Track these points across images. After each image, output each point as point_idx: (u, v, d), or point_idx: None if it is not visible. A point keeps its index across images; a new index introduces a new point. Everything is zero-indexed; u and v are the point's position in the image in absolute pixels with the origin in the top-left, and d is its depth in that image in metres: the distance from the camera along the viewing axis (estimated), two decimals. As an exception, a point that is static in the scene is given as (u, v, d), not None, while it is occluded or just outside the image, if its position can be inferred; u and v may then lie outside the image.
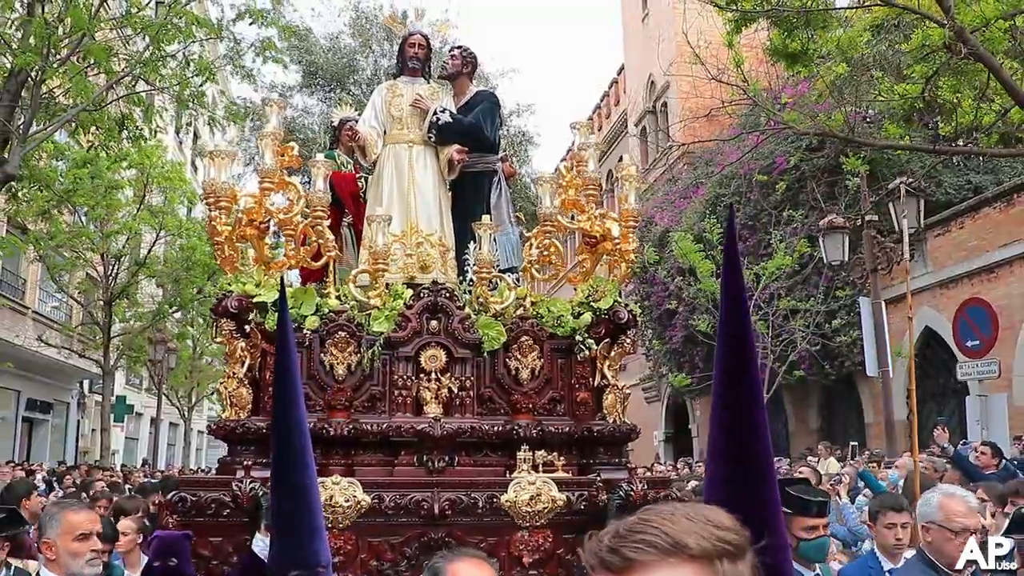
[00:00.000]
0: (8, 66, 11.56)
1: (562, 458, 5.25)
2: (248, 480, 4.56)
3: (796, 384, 20.58)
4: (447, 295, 5.40)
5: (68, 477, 15.21)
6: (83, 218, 20.73)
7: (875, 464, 12.59)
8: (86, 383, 27.87)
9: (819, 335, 19.46)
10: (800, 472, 8.73)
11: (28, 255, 18.54)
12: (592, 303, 5.48)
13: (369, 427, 5.15)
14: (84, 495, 9.05)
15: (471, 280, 5.73)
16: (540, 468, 5.12)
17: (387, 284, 5.48)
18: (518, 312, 5.50)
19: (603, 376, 5.52)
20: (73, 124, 13.24)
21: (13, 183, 13.31)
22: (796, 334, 19.39)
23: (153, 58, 12.64)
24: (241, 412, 5.12)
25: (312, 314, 5.28)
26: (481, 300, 5.54)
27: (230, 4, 13.46)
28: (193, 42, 13.13)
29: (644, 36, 32.04)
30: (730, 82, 14.41)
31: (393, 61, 17.66)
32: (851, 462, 14.03)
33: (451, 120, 6.22)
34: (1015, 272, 17.09)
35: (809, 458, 16.49)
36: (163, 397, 27.89)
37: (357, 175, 6.75)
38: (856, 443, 17.14)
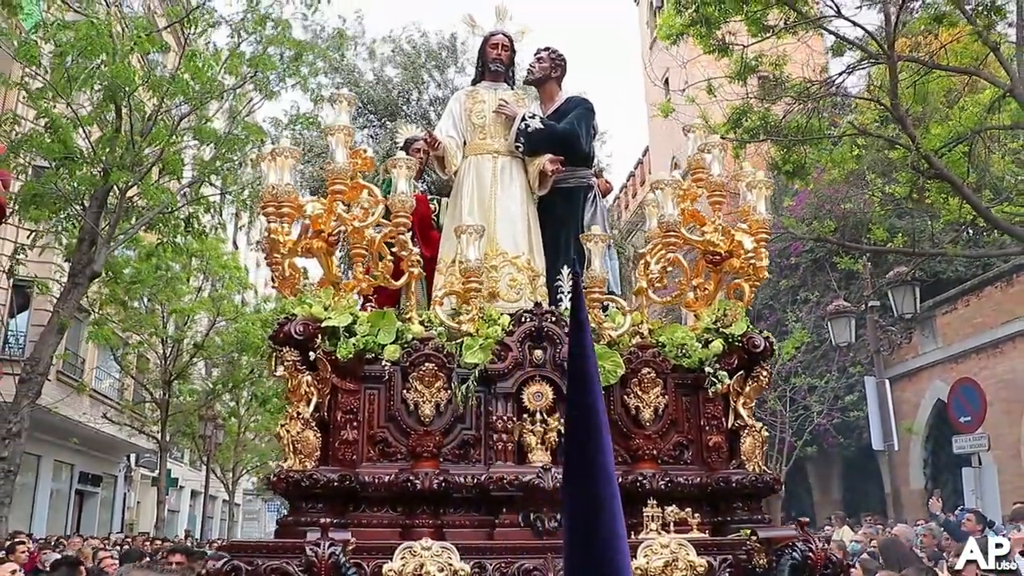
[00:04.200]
0: (97, 176, 11.48)
1: (696, 515, 3.75)
2: (327, 543, 3.03)
3: (819, 456, 19.64)
4: (553, 319, 3.96)
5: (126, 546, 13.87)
6: (146, 304, 19.71)
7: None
8: (132, 457, 26.44)
9: (838, 409, 18.65)
10: None
11: (84, 335, 17.41)
12: (721, 329, 4.04)
13: (463, 479, 3.70)
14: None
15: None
16: (671, 527, 3.64)
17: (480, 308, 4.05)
18: (635, 340, 4.06)
19: (737, 416, 4.04)
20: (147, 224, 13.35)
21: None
22: (812, 409, 18.54)
23: (217, 165, 12.85)
24: (308, 461, 3.66)
25: (392, 342, 3.85)
26: (592, 326, 4.08)
27: (282, 110, 13.21)
28: (252, 147, 12.97)
29: (666, 120, 31.10)
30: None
31: (448, 92, 16.40)
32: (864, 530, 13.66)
33: (542, 127, 4.83)
34: (1018, 347, 16.71)
35: (826, 528, 15.37)
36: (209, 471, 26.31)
37: (428, 198, 5.34)
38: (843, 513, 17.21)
